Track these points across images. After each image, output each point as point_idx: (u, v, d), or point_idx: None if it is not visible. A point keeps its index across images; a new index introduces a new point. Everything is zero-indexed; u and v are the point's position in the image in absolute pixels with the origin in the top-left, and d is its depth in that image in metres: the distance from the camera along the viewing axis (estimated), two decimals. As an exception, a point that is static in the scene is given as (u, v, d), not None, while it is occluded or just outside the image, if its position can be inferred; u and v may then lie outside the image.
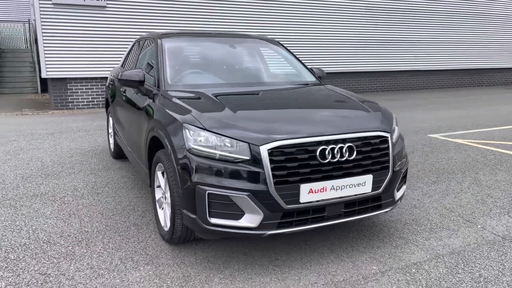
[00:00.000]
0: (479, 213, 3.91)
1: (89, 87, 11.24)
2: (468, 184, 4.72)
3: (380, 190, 3.01)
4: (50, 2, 10.38)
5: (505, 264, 2.99)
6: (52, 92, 11.04)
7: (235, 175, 2.68)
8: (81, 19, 10.74)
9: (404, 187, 3.38)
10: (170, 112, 3.13)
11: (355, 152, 2.87)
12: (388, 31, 14.97)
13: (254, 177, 2.66)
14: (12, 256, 3.06)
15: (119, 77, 3.76)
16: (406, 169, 3.37)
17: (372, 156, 2.95)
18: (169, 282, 2.74)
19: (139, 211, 3.90)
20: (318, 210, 2.84)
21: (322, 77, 4.49)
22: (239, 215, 2.70)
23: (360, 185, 2.90)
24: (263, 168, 2.65)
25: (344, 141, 2.86)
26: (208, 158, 2.73)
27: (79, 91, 11.13)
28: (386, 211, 3.14)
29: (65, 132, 7.81)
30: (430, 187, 4.63)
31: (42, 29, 10.41)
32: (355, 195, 2.91)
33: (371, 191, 2.96)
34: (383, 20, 14.77)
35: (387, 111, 3.43)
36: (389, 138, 3.05)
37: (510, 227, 3.59)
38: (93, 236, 3.39)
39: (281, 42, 4.89)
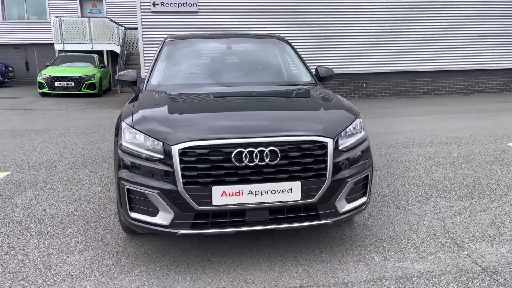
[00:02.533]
0: (481, 237, 3.30)
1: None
2: (500, 204, 3.98)
3: (314, 199, 2.78)
4: (150, 10, 11.55)
5: (454, 299, 2.52)
6: (152, 91, 12.24)
7: (150, 173, 2.76)
8: (175, 24, 11.70)
9: (362, 199, 3.04)
10: (123, 110, 3.34)
11: (279, 157, 2.71)
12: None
13: (165, 176, 2.71)
14: (2, 230, 3.59)
15: (116, 77, 4.10)
16: (364, 178, 3.02)
17: (302, 162, 2.75)
18: (95, 268, 2.94)
19: (131, 202, 4.21)
20: (237, 214, 2.76)
21: (327, 77, 4.22)
22: (155, 212, 2.77)
23: (286, 191, 2.73)
24: (173, 168, 2.68)
25: (268, 144, 2.71)
26: (134, 156, 2.84)
27: (173, 90, 12.13)
28: (326, 223, 2.87)
29: (140, 127, 8.62)
30: (448, 203, 4.03)
31: (143, 34, 11.64)
32: (280, 202, 2.74)
33: (301, 200, 2.76)
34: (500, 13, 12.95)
35: (347, 113, 3.11)
36: (329, 144, 2.79)
37: (506, 258, 2.97)
38: (75, 220, 3.78)
39: (289, 40, 4.74)
